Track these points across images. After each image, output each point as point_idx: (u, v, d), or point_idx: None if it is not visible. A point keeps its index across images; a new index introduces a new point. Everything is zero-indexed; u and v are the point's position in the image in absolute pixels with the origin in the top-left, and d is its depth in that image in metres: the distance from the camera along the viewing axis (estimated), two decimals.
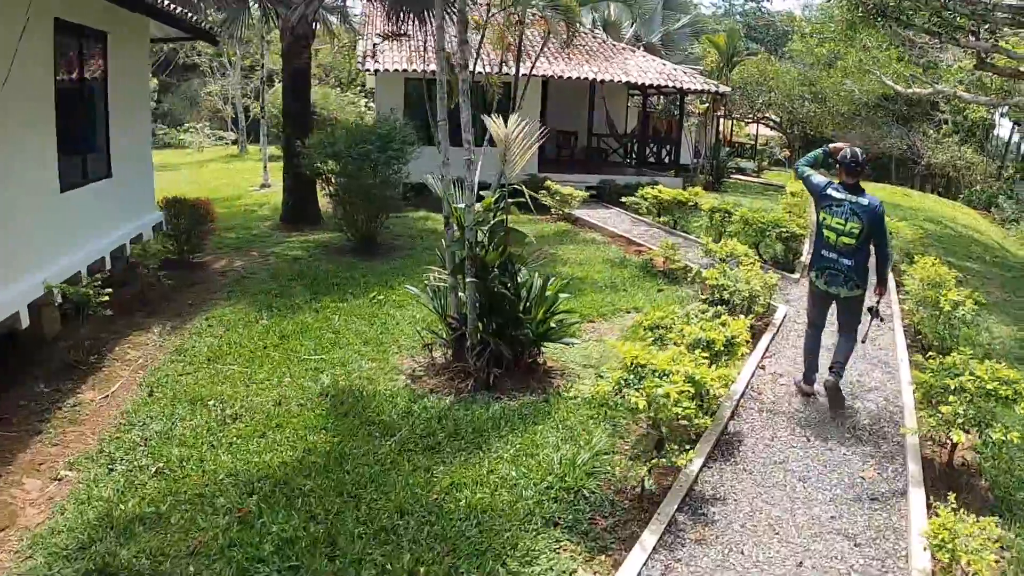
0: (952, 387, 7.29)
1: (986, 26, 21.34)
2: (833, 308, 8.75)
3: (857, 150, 8.32)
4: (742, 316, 9.69)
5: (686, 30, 39.94)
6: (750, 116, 37.33)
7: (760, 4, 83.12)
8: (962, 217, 37.11)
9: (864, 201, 8.00)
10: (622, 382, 6.68)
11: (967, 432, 7.17)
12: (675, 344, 8.08)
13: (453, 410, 8.50)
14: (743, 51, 37.58)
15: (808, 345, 8.97)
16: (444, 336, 9.79)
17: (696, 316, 9.22)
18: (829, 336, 9.29)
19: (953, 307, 10.45)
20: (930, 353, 8.67)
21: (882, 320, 8.95)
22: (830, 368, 8.55)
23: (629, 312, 12.52)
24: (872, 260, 8.41)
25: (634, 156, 29.46)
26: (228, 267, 15.25)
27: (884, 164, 56.99)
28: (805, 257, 16.57)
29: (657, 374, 6.55)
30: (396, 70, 22.46)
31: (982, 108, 43.59)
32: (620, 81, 24.64)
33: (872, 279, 8.62)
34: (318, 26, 21.80)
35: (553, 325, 9.57)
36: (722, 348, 8.03)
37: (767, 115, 36.91)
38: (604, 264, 15.55)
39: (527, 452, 7.48)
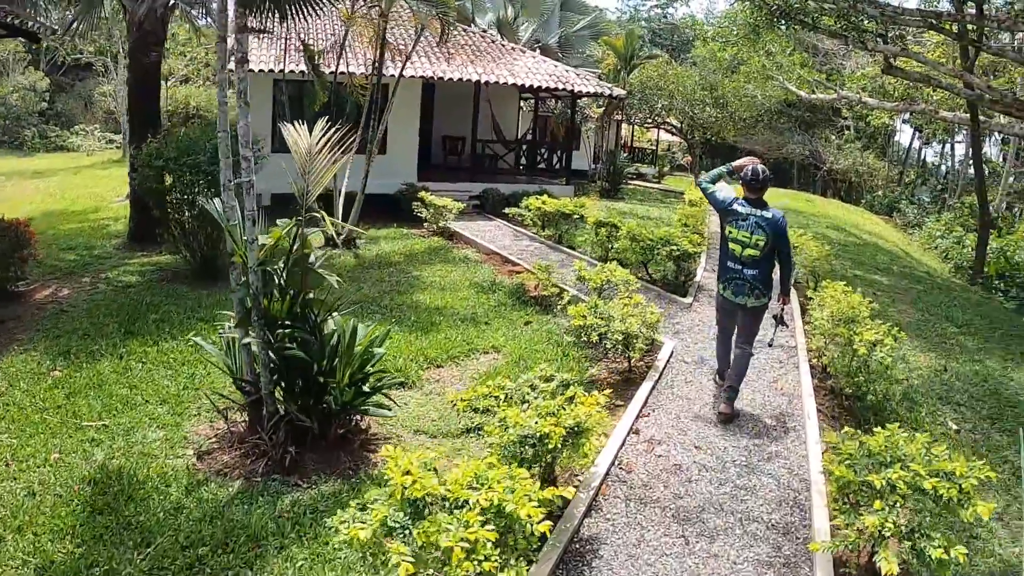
0: (878, 486, 5.26)
1: (895, 29, 20.05)
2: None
3: (759, 167, 8.15)
4: (624, 358, 7.52)
5: (585, 32, 38.09)
6: (650, 121, 35.42)
7: (665, 10, 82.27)
8: (865, 223, 35.91)
9: (768, 215, 7.94)
10: (386, 526, 4.25)
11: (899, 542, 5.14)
12: (497, 437, 5.99)
13: (233, 506, 6.29)
14: (643, 54, 35.85)
15: (720, 350, 8.97)
16: (240, 400, 7.50)
17: (535, 389, 7.05)
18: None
19: (869, 349, 8.49)
20: (845, 429, 6.62)
21: (787, 326, 9.29)
22: (724, 390, 8.43)
23: (487, 353, 10.36)
24: (776, 270, 8.36)
25: (523, 163, 27.34)
26: (51, 298, 12.62)
27: (786, 169, 56.18)
28: (700, 277, 14.75)
29: (448, 505, 4.29)
30: (263, 71, 19.97)
31: (884, 115, 42.88)
32: (507, 83, 22.47)
33: (777, 288, 8.61)
34: (179, 21, 19.20)
35: (367, 388, 7.25)
36: (558, 445, 5.83)
37: (668, 120, 35.05)
38: (471, 289, 13.37)
39: None
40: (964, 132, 45.00)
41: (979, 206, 25.01)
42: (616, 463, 7.15)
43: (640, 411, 8.25)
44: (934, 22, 18.34)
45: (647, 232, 13.86)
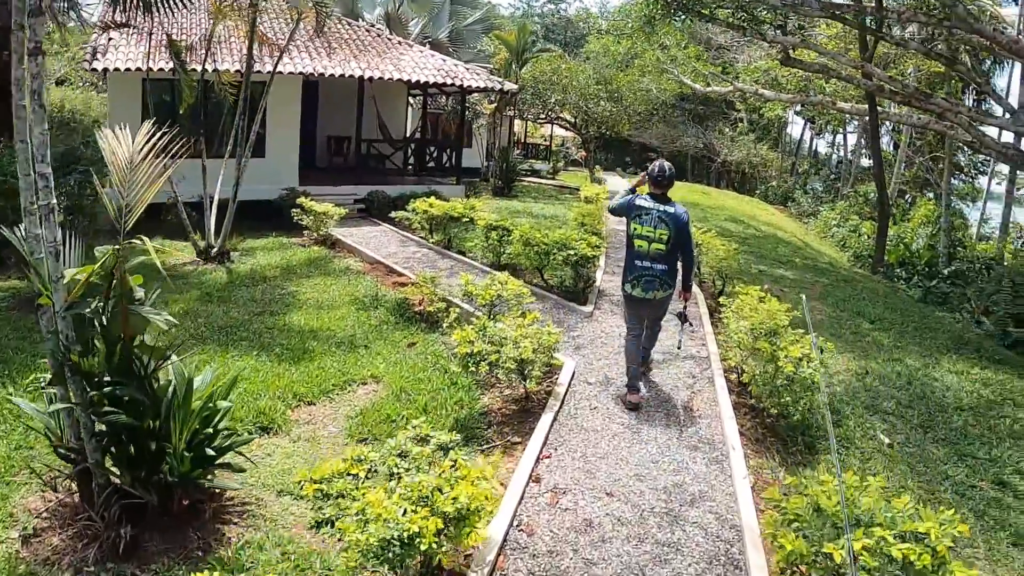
0: (838, 560, 4.16)
1: (795, 19, 19.36)
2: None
3: (666, 164, 8.27)
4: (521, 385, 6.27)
5: (477, 27, 36.76)
6: (543, 116, 34.31)
7: (557, 6, 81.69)
8: (762, 214, 35.46)
9: (671, 209, 8.07)
10: None
11: None
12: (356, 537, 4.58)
13: None
14: (535, 48, 34.77)
15: (629, 350, 8.56)
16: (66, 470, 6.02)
17: (406, 457, 5.70)
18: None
19: (796, 365, 7.44)
20: (787, 483, 5.51)
21: (691, 325, 9.39)
22: (630, 389, 8.37)
23: (366, 384, 8.98)
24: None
25: (412, 163, 25.92)
26: None
27: (680, 162, 55.93)
28: (600, 281, 13.72)
29: None
30: (131, 69, 18.11)
31: (778, 106, 42.68)
32: (393, 79, 21.09)
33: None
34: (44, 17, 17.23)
35: (211, 451, 5.83)
36: (432, 544, 4.48)
37: (561, 115, 34.02)
38: (351, 306, 11.97)
39: None
40: (856, 123, 45.17)
41: (878, 196, 24.53)
42: (515, 525, 5.89)
43: (540, 452, 7.00)
44: (836, 12, 17.55)
45: (541, 236, 12.68)
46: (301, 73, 19.80)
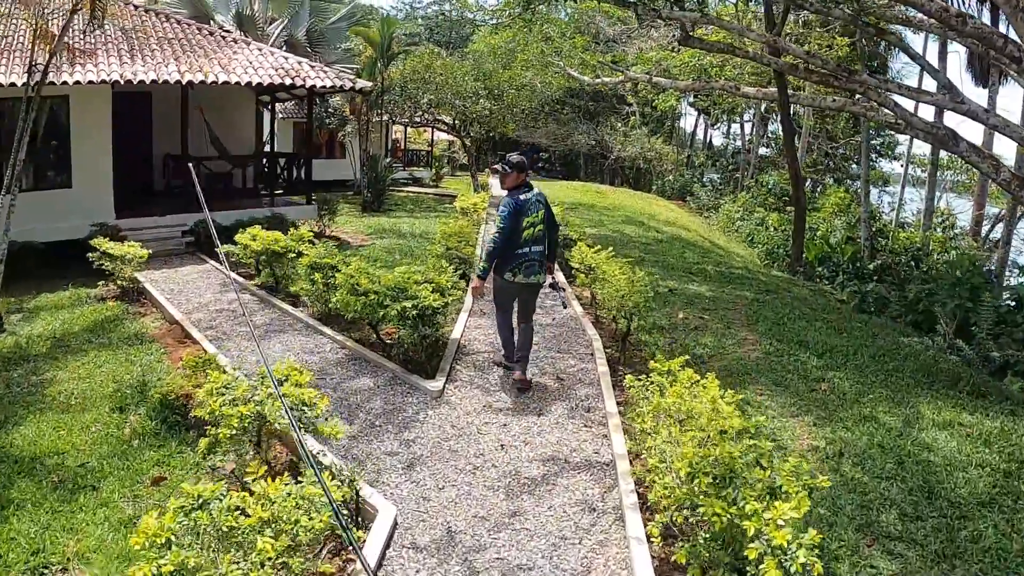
0: None
1: None
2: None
3: (521, 155, 8.39)
4: None
5: (343, 24, 32.60)
6: (419, 119, 30.24)
7: (441, 6, 77.95)
8: (661, 211, 32.22)
9: (538, 191, 8.22)
10: None
11: None
12: None
13: None
14: (403, 43, 30.79)
15: (502, 324, 8.68)
16: None
17: None
18: None
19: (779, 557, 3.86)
20: None
21: (564, 291, 9.62)
22: (516, 360, 8.44)
23: (66, 572, 5.16)
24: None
25: (249, 182, 21.44)
26: None
27: (572, 160, 52.64)
28: (463, 330, 10.16)
29: None
30: None
31: (671, 98, 39.57)
32: (218, 81, 16.93)
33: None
34: None
35: None
36: None
37: (440, 117, 30.06)
38: (107, 404, 8.03)
39: None
40: (752, 111, 42.39)
41: (793, 188, 21.32)
42: None
43: None
44: None
45: (369, 282, 8.92)
46: (104, 81, 15.59)
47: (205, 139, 19.17)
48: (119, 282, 12.61)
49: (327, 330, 10.06)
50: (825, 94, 19.94)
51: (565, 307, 9.85)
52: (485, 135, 33.78)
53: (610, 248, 11.95)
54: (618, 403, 7.79)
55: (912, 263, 20.93)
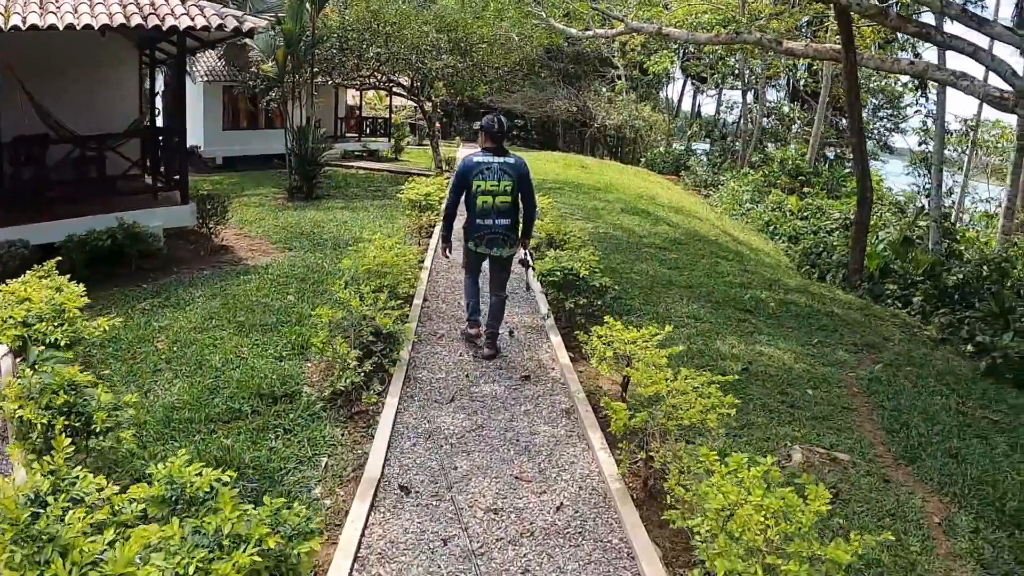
0: None
1: None
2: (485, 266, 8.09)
3: (498, 116, 7.87)
4: None
5: None
6: (367, 80, 23.86)
7: None
8: (660, 192, 26.56)
9: (511, 160, 7.67)
10: None
11: None
12: None
13: None
14: None
15: (468, 288, 8.17)
16: None
17: None
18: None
19: None
20: None
21: (534, 269, 8.81)
22: (485, 336, 8.04)
23: None
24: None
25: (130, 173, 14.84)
26: None
27: (550, 129, 46.71)
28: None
29: None
30: None
31: (665, 60, 33.81)
32: (21, 27, 10.68)
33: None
34: None
35: None
36: None
37: (394, 78, 23.83)
38: None
39: None
40: (751, 77, 36.70)
41: (857, 172, 15.58)
42: None
43: None
44: None
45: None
46: None
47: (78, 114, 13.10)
48: None
49: None
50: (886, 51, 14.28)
51: (529, 288, 9.77)
52: (452, 99, 28.02)
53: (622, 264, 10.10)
54: None
55: (997, 277, 15.38)
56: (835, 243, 19.17)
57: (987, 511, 5.84)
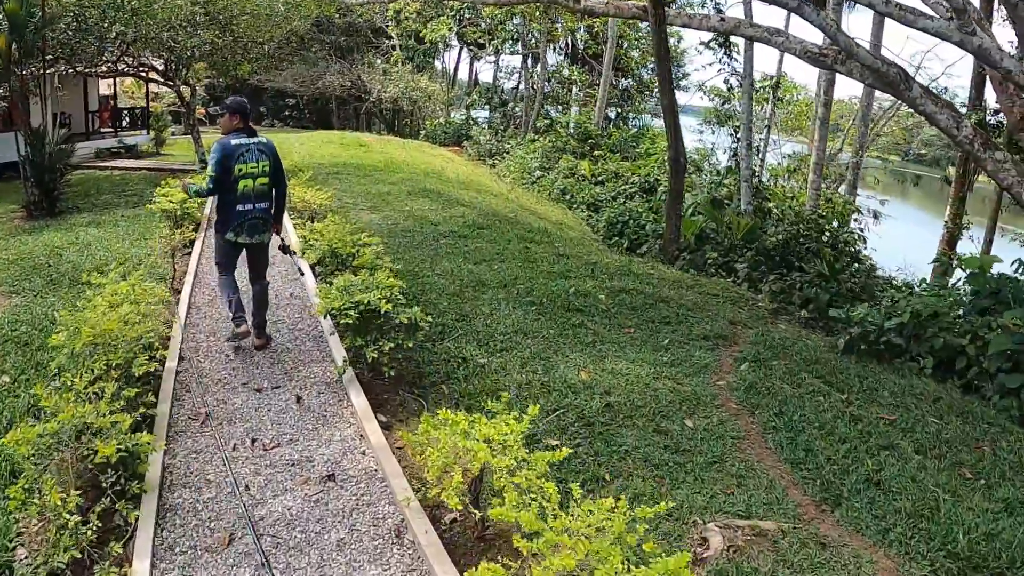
0: None
1: None
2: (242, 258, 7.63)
3: (240, 98, 7.43)
4: None
5: None
6: (114, 65, 20.63)
7: None
8: (445, 164, 24.99)
9: (264, 140, 7.37)
10: None
11: None
12: None
13: None
14: None
15: (226, 286, 7.46)
16: None
17: None
18: None
19: None
20: None
21: (295, 253, 8.34)
22: (254, 327, 7.44)
23: None
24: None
25: None
26: None
27: (323, 106, 44.17)
28: None
29: None
30: None
31: (443, 27, 32.11)
32: None
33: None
34: None
35: None
36: None
37: (146, 60, 20.77)
38: None
39: None
40: (536, 41, 35.48)
41: (670, 138, 14.26)
42: None
43: None
44: None
45: None
46: None
47: None
48: None
49: None
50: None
51: (303, 274, 8.94)
52: (216, 81, 25.16)
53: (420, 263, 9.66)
54: None
55: (816, 235, 14.68)
56: (640, 210, 18.10)
57: (938, 556, 4.71)
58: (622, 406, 6.43)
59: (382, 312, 6.39)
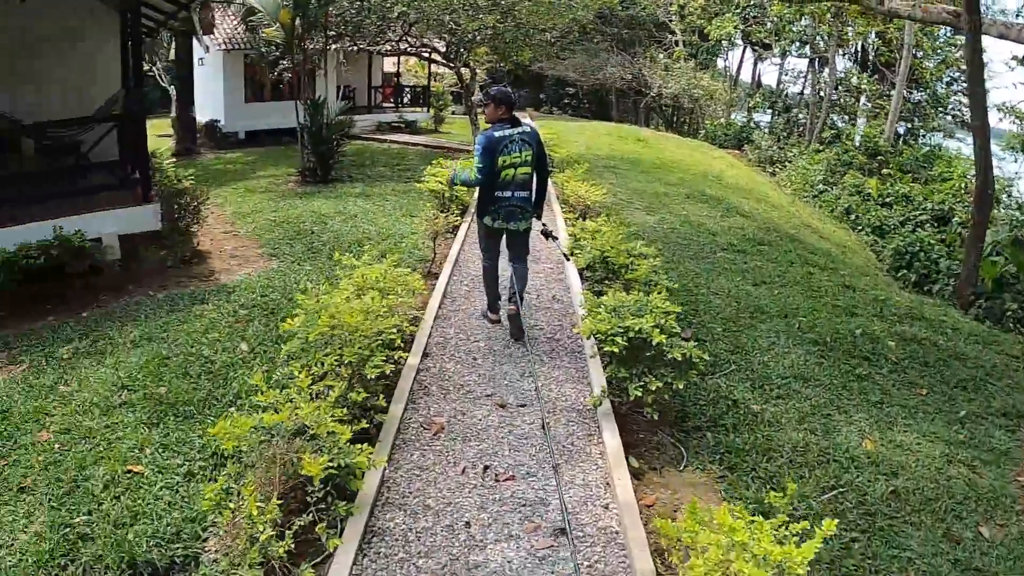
0: None
1: None
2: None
3: (505, 87, 7.53)
4: None
5: None
6: (397, 44, 21.13)
7: None
8: (724, 168, 24.20)
9: (527, 128, 7.32)
10: None
11: None
12: None
13: None
14: None
15: (488, 277, 7.82)
16: None
17: None
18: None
19: None
20: None
21: (556, 239, 7.65)
22: (510, 299, 7.52)
23: None
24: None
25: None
26: None
27: (602, 97, 43.83)
28: None
29: None
30: None
31: (728, 24, 30.80)
32: None
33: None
34: None
35: None
36: None
37: (427, 42, 21.17)
38: None
39: None
40: (826, 45, 33.43)
41: (978, 167, 12.68)
42: None
43: None
44: None
45: None
46: None
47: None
48: None
49: None
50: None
51: (568, 259, 8.45)
52: (497, 65, 25.38)
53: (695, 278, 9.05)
54: None
55: None
56: (932, 242, 16.34)
57: None
58: (910, 495, 5.36)
59: (654, 343, 5.47)
